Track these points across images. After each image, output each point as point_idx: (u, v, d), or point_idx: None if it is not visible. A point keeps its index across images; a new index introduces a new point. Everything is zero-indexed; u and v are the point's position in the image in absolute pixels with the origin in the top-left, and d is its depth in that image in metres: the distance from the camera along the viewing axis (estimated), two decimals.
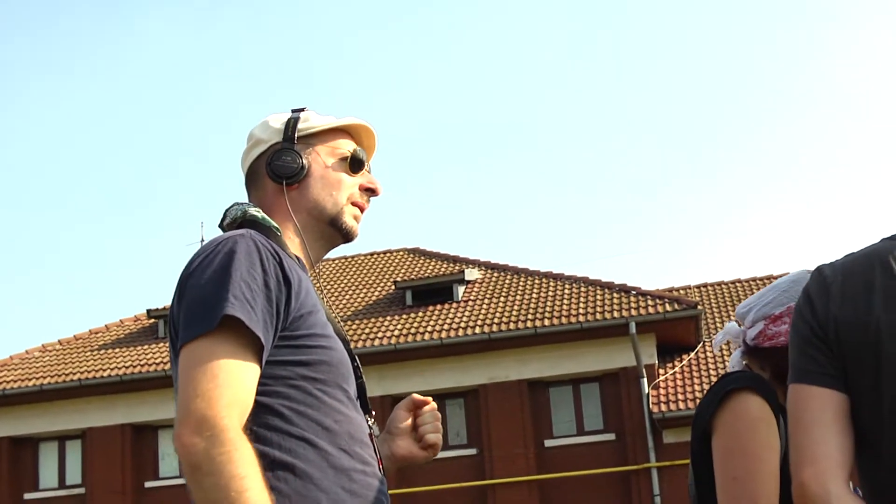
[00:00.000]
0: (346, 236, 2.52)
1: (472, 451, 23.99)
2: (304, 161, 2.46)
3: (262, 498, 2.00)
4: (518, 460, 23.35)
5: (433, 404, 2.65)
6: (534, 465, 23.35)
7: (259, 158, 2.50)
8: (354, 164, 2.52)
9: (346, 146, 2.53)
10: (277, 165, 2.45)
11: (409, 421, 2.62)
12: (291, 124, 2.49)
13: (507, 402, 23.56)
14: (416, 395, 2.66)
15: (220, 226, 2.45)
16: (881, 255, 2.20)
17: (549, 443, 23.71)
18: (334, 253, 30.97)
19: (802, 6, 51.65)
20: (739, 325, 3.06)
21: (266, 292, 2.17)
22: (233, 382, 2.07)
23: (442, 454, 23.78)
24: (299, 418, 2.19)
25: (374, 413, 2.45)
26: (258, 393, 2.15)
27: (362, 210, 2.54)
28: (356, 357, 2.43)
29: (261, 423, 2.15)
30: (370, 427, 2.38)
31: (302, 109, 2.55)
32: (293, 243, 2.43)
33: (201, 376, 2.06)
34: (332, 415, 2.23)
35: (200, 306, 2.14)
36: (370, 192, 2.55)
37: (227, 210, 2.45)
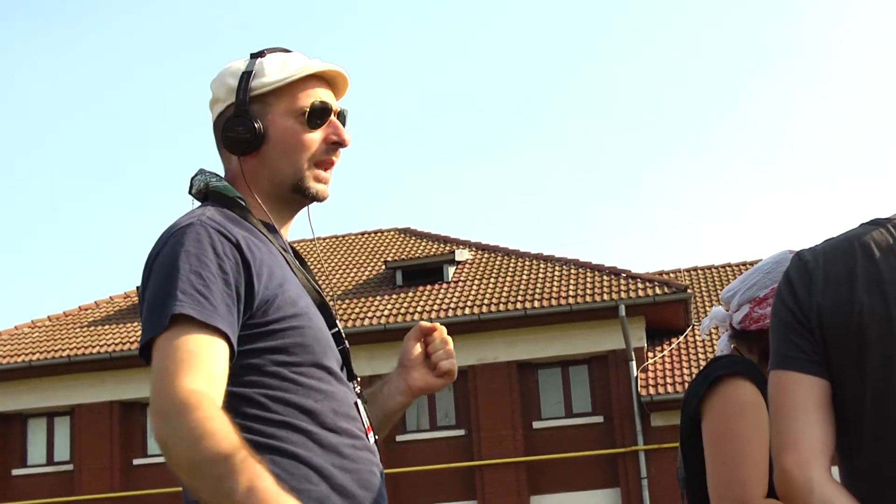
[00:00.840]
0: (314, 199, 2.37)
1: (461, 432, 24.03)
2: (258, 126, 2.29)
3: (235, 442, 1.89)
4: (506, 442, 23.40)
5: (442, 329, 2.52)
6: (521, 446, 23.40)
7: (218, 119, 2.36)
8: (314, 119, 2.33)
9: (306, 99, 2.33)
10: (229, 138, 2.30)
11: (420, 350, 2.51)
12: (244, 83, 2.31)
13: (495, 384, 23.60)
14: (423, 323, 2.55)
15: (189, 193, 2.37)
16: (862, 239, 2.20)
17: (537, 424, 23.76)
18: (324, 232, 30.71)
19: None
20: (726, 310, 3.07)
21: (223, 276, 2.09)
22: (190, 356, 1.99)
23: (430, 435, 23.86)
24: (277, 405, 2.13)
25: (359, 379, 2.37)
26: (235, 384, 2.09)
27: (331, 165, 2.37)
28: (337, 322, 2.34)
29: (239, 414, 2.07)
30: (357, 395, 2.31)
31: (261, 54, 2.36)
32: (260, 209, 2.32)
33: (160, 366, 2.01)
34: (311, 395, 2.17)
35: (151, 310, 2.08)
36: (337, 144, 2.37)
37: (192, 178, 2.37)
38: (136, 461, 25.16)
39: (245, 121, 2.29)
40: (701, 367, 2.77)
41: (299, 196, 2.35)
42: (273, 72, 2.32)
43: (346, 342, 2.36)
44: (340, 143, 2.37)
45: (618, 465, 23.13)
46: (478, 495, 23.41)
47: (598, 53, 50.29)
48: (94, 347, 25.04)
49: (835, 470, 2.18)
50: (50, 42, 50.12)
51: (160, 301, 2.06)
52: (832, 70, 52.06)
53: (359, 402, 2.30)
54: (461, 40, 50.99)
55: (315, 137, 2.33)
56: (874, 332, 2.10)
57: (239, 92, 2.30)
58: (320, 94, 2.36)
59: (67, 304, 48.47)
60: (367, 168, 51.67)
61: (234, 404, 2.08)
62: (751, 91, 51.12)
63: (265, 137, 2.30)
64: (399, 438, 23.84)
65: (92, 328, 26.53)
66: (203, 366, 2.00)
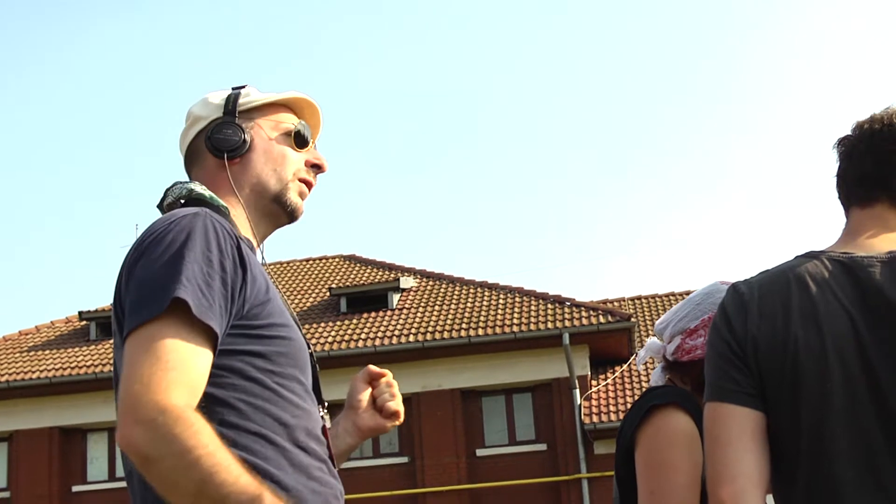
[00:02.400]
0: (291, 214, 2.42)
1: (404, 460, 23.95)
2: (246, 135, 2.37)
3: (230, 462, 1.87)
4: (449, 469, 23.36)
5: (388, 374, 2.60)
6: (465, 474, 23.36)
7: (199, 135, 2.40)
8: (299, 140, 2.44)
9: (290, 121, 2.45)
10: (218, 139, 2.36)
11: (368, 392, 2.58)
12: (232, 99, 2.41)
13: (439, 411, 23.57)
14: (372, 367, 2.61)
15: (160, 206, 2.32)
16: (796, 272, 2.22)
17: (480, 452, 23.74)
18: (269, 258, 30.86)
19: (732, 12, 52.20)
20: (660, 341, 3.09)
21: (222, 274, 2.05)
22: (179, 365, 1.92)
23: (373, 462, 23.77)
24: (256, 413, 2.07)
25: (325, 404, 2.36)
26: (214, 385, 2.02)
27: (310, 187, 2.46)
28: (309, 344, 2.34)
29: (215, 419, 1.99)
30: (323, 419, 2.30)
31: (243, 86, 2.46)
32: (240, 223, 2.32)
33: (144, 362, 1.91)
34: (289, 409, 2.13)
35: (149, 289, 1.99)
36: (316, 168, 2.47)
37: (168, 189, 2.33)
38: (76, 488, 24.85)
39: (234, 126, 2.37)
40: (636, 399, 2.76)
41: (277, 207, 2.40)
42: (258, 95, 2.44)
43: (317, 366, 2.37)
44: (320, 168, 2.49)
45: (561, 493, 23.14)
46: None
47: (540, 82, 50.58)
48: (33, 373, 24.72)
49: (770, 500, 2.20)
50: None
51: (163, 281, 1.98)
52: (774, 94, 52.69)
53: (325, 427, 2.29)
54: (406, 68, 51.13)
55: (299, 156, 2.44)
56: (809, 366, 2.11)
57: (227, 105, 2.40)
58: (301, 121, 2.49)
59: (7, 329, 47.91)
60: (312, 194, 51.44)
61: (213, 408, 2.02)
62: (693, 115, 51.60)
63: (252, 144, 2.39)
64: (342, 465, 23.68)
65: (32, 353, 26.20)
66: (186, 379, 1.93)
